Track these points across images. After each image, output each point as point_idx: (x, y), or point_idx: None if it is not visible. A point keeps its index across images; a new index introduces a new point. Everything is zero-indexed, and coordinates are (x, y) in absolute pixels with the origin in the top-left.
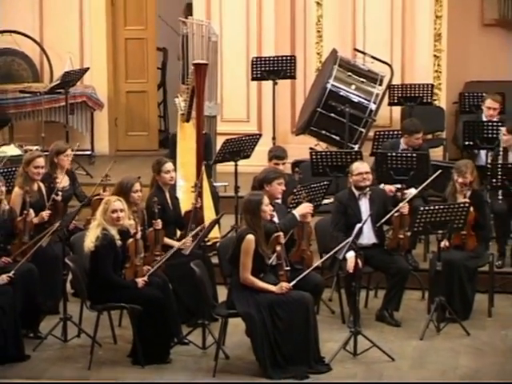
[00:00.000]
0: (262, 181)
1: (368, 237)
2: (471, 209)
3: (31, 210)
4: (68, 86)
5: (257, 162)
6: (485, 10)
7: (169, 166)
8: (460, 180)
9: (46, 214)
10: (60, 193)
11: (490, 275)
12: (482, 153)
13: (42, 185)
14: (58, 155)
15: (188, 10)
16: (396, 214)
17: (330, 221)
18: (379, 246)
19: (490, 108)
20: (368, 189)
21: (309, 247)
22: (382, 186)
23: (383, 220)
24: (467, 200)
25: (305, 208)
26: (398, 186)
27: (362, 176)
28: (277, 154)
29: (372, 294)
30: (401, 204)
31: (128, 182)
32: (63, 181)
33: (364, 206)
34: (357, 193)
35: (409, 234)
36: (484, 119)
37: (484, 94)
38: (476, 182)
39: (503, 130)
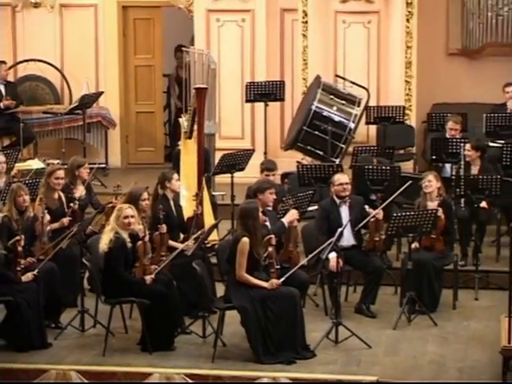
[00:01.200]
0: (255, 190)
1: (348, 239)
2: (442, 216)
3: (46, 213)
4: (85, 107)
5: (250, 174)
6: (449, 41)
7: (176, 175)
8: (425, 183)
9: (66, 220)
10: (76, 202)
11: (455, 273)
12: (447, 166)
13: (61, 194)
14: (79, 168)
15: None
16: (372, 220)
17: (315, 225)
18: (357, 248)
19: (451, 129)
20: (348, 197)
21: (296, 248)
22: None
23: (360, 225)
24: (436, 207)
25: (291, 216)
26: (373, 197)
27: (343, 186)
28: (267, 166)
29: (351, 290)
30: (376, 210)
31: (137, 191)
32: (81, 191)
33: (344, 212)
34: (338, 201)
35: (383, 236)
36: (448, 137)
37: (449, 115)
38: (443, 191)
39: (467, 146)
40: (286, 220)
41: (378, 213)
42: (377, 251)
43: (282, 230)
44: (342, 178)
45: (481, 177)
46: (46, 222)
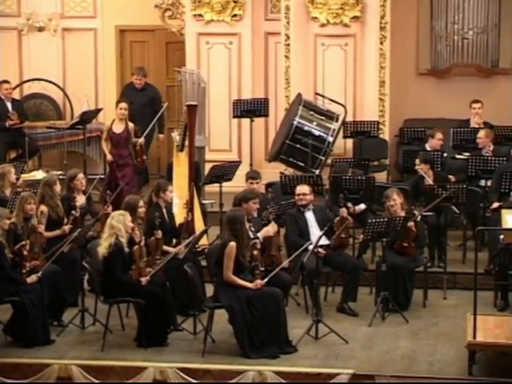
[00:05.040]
0: (240, 200)
1: (322, 239)
2: (413, 227)
3: (40, 225)
4: (85, 123)
5: (237, 183)
6: (419, 62)
7: (171, 187)
8: (391, 203)
9: (67, 227)
10: (78, 210)
11: (425, 274)
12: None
13: (59, 203)
14: (72, 181)
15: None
16: (337, 218)
17: (287, 230)
18: (332, 248)
19: (440, 139)
20: (311, 205)
21: (278, 253)
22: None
23: (333, 237)
24: (404, 214)
25: (265, 232)
26: (349, 204)
27: (299, 197)
28: (251, 175)
29: (330, 290)
30: (340, 210)
31: (134, 200)
32: (81, 200)
33: (309, 216)
34: (301, 207)
35: (361, 238)
36: (428, 149)
37: (425, 129)
38: (405, 204)
39: (417, 161)
40: (260, 235)
41: (343, 211)
42: (344, 248)
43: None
44: (301, 189)
45: (448, 186)
46: (38, 231)
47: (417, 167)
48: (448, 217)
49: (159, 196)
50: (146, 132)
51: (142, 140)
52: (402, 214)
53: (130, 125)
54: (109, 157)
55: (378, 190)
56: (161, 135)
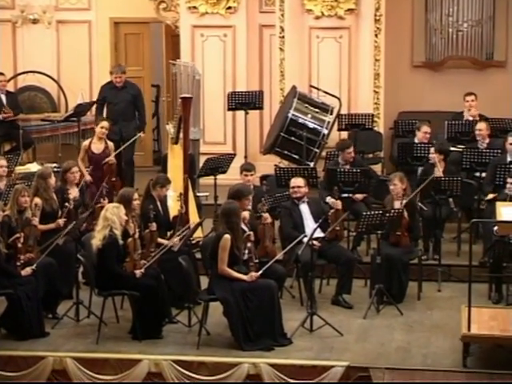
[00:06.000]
0: (233, 196)
1: (316, 231)
2: (406, 215)
3: (34, 218)
4: (80, 115)
5: (232, 176)
6: (414, 55)
7: (170, 185)
8: (391, 187)
9: (61, 221)
10: (72, 202)
11: (419, 266)
12: (420, 169)
13: (54, 196)
14: (66, 173)
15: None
16: (332, 211)
17: (281, 223)
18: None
19: (426, 132)
20: (306, 197)
21: (272, 245)
22: (328, 199)
23: (329, 230)
24: (400, 207)
25: None
26: (345, 195)
27: (294, 189)
28: (246, 167)
29: (325, 283)
30: (335, 202)
31: (128, 193)
32: (74, 193)
33: (304, 208)
34: (296, 200)
35: (353, 231)
36: (416, 141)
37: (417, 122)
38: (409, 190)
39: (431, 149)
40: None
41: (336, 204)
42: (339, 240)
43: None
44: (293, 182)
45: (443, 178)
46: (32, 224)
47: (430, 155)
48: (445, 210)
49: (155, 189)
50: (120, 150)
51: (110, 159)
52: (404, 200)
53: (110, 144)
54: (88, 177)
55: (374, 183)
56: (142, 134)
